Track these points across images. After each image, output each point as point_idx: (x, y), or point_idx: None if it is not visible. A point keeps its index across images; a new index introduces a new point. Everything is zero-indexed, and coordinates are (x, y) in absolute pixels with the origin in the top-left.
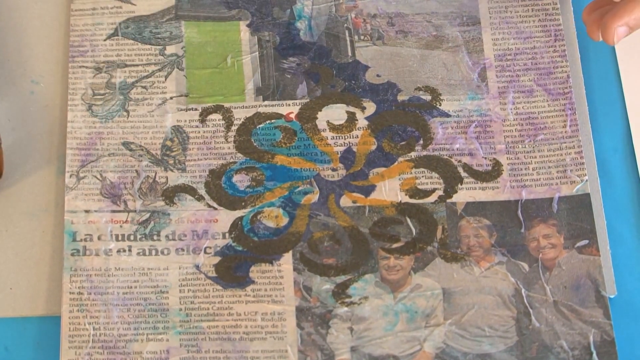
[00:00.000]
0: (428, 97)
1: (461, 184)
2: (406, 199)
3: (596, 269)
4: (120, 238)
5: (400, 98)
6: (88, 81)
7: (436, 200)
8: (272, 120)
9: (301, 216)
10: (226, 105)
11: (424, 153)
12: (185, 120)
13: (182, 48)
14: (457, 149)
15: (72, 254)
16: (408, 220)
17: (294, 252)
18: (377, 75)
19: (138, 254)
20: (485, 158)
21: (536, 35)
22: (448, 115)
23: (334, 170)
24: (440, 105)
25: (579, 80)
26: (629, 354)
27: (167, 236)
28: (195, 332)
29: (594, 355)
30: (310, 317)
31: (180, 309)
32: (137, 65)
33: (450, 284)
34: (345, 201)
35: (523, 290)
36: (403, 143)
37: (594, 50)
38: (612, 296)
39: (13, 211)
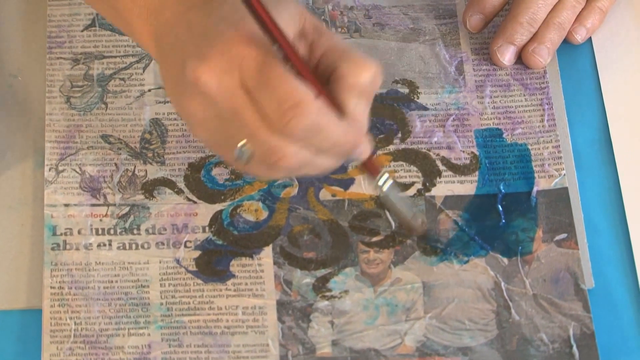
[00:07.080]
0: (406, 90)
1: (440, 178)
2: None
3: (575, 262)
4: (100, 232)
5: (378, 91)
6: (66, 73)
7: (415, 194)
8: None
9: (281, 210)
10: None
11: (403, 146)
12: (164, 113)
13: None
14: (436, 142)
15: (53, 248)
16: (387, 213)
17: (274, 245)
18: None
19: (118, 248)
20: (464, 151)
21: None
22: (426, 109)
23: None
24: (418, 98)
25: (555, 74)
26: (607, 345)
27: (147, 230)
28: (177, 326)
29: (574, 347)
30: (291, 311)
31: (162, 303)
32: (115, 57)
33: (430, 278)
34: (325, 195)
35: (503, 284)
36: (381, 136)
37: (571, 45)
38: (590, 288)
39: None
